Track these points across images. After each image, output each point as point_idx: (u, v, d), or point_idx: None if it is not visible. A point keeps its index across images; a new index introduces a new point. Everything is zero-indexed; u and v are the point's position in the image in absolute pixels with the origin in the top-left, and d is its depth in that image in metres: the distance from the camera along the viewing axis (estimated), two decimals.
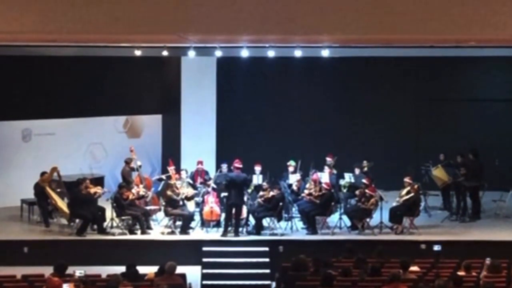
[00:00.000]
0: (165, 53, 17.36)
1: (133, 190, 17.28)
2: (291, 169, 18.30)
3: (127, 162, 18.08)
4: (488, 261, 12.87)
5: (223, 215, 17.14)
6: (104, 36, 13.03)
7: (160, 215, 17.75)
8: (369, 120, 21.21)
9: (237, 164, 17.03)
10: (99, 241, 16.67)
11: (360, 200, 17.32)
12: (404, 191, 17.39)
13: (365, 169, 18.52)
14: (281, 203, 17.03)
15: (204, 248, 16.42)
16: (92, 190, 17.05)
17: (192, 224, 17.27)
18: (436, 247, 16.34)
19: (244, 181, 16.94)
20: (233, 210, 16.75)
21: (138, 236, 16.87)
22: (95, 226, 17.03)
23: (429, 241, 16.54)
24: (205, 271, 15.99)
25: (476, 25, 10.84)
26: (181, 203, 17.11)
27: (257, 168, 17.85)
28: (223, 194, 17.32)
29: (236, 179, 16.84)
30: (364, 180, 17.50)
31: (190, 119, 20.36)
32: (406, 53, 18.21)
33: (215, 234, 16.97)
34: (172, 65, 20.36)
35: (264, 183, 17.36)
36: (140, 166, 18.13)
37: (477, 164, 18.37)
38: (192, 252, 16.28)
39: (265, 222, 17.26)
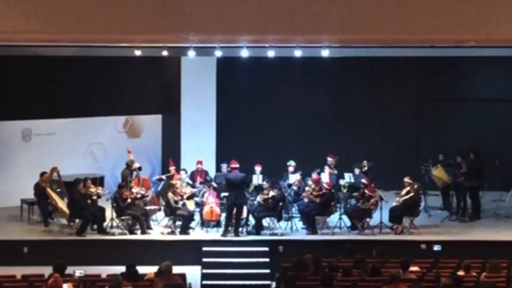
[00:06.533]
0: (165, 53, 17.37)
1: (133, 190, 17.30)
2: (291, 169, 18.31)
3: (128, 165, 18.06)
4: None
5: (223, 215, 17.14)
6: (104, 36, 13.01)
7: (160, 215, 17.75)
8: (369, 120, 21.19)
9: (234, 164, 17.05)
10: (99, 241, 16.67)
11: (360, 200, 17.33)
12: (404, 191, 17.39)
13: (365, 169, 18.52)
14: (281, 203, 17.03)
15: (204, 248, 16.42)
16: (93, 190, 17.06)
17: (192, 224, 17.27)
18: (436, 247, 16.34)
19: (243, 180, 16.94)
20: (234, 210, 16.76)
21: (138, 236, 16.88)
22: (95, 226, 17.04)
23: (429, 241, 16.55)
24: (205, 271, 15.99)
25: (476, 25, 10.84)
26: (180, 203, 17.11)
27: (257, 168, 17.86)
28: (223, 194, 17.33)
29: (234, 179, 16.84)
30: (363, 180, 17.50)
31: (190, 119, 20.34)
32: (406, 53, 18.20)
33: (215, 234, 16.98)
34: (172, 65, 20.33)
35: (264, 183, 17.36)
36: (139, 168, 18.08)
37: (477, 164, 18.36)
38: (192, 252, 16.29)
39: (265, 222, 17.26)
